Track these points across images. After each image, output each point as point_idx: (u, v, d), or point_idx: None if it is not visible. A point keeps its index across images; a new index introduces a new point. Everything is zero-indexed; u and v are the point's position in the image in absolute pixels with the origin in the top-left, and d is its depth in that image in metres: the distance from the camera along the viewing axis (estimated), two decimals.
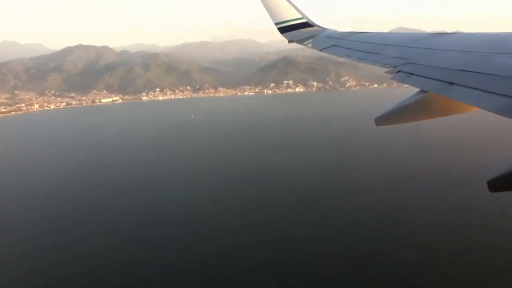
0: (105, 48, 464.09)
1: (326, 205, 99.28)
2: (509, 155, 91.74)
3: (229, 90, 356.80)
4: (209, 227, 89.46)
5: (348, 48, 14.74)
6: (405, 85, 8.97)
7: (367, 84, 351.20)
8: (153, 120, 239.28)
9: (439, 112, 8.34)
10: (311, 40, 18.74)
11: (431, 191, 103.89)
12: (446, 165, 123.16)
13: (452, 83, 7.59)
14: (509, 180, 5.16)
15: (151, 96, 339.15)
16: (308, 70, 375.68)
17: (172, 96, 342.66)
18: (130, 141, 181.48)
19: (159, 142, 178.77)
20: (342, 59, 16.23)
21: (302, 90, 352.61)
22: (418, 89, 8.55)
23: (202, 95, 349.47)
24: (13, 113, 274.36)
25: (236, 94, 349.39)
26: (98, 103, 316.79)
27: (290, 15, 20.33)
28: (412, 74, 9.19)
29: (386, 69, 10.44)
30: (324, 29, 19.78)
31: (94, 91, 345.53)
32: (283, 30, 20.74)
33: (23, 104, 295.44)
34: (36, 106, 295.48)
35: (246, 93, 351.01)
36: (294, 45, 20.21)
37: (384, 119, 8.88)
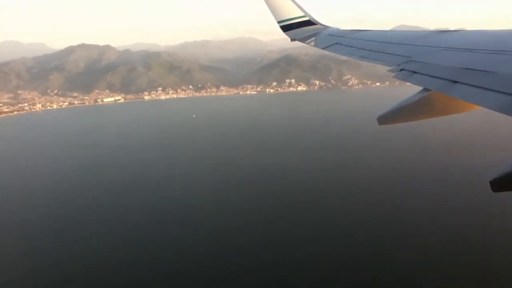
0: (107, 47, 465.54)
1: (326, 205, 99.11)
2: (510, 155, 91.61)
3: (231, 89, 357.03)
4: (209, 227, 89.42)
5: (351, 47, 14.69)
6: (408, 84, 8.94)
7: (369, 82, 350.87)
8: (154, 119, 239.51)
9: (442, 110, 8.30)
10: (313, 38, 18.72)
11: (431, 191, 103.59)
12: (446, 165, 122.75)
13: (455, 82, 7.55)
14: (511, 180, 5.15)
15: (153, 95, 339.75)
16: (310, 68, 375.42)
17: (175, 95, 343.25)
18: (131, 141, 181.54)
19: (160, 142, 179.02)
20: (344, 58, 16.21)
21: (304, 89, 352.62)
22: (420, 88, 8.51)
23: (204, 94, 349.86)
24: (15, 112, 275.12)
25: (238, 93, 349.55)
26: (100, 103, 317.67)
27: (293, 13, 20.25)
28: (415, 72, 9.14)
29: (389, 68, 10.39)
30: (326, 27, 19.70)
31: (96, 91, 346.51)
32: (286, 28, 20.65)
33: (25, 104, 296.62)
34: (39, 105, 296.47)
35: (248, 92, 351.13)
36: (296, 43, 20.25)
37: (387, 118, 8.83)
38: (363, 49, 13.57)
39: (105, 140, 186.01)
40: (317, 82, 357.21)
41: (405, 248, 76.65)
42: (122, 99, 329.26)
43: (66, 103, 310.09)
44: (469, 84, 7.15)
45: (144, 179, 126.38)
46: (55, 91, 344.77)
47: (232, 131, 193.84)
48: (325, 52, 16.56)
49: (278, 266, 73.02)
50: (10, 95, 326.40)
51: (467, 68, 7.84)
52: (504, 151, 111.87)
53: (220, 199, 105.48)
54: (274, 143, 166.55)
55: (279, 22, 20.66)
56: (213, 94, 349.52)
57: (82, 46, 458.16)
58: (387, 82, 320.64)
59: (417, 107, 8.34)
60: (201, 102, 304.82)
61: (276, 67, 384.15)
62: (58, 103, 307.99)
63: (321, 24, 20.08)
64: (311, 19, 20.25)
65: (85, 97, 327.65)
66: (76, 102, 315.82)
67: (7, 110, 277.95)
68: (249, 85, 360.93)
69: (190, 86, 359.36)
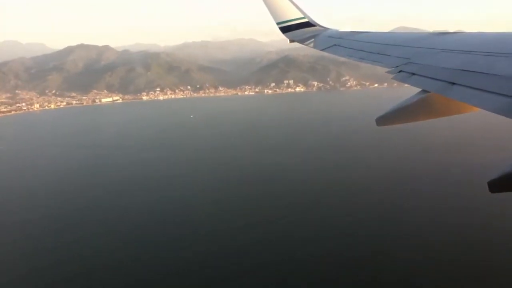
0: (106, 48, 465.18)
1: (326, 205, 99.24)
2: (509, 155, 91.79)
3: (230, 89, 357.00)
4: (209, 227, 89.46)
5: (350, 48, 14.71)
6: (406, 85, 8.91)
7: (367, 84, 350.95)
8: (152, 120, 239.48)
9: (440, 112, 8.30)
10: (312, 40, 18.65)
11: (431, 191, 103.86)
12: (446, 165, 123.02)
13: (453, 83, 7.56)
14: (510, 181, 5.15)
15: (151, 95, 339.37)
16: (308, 69, 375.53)
17: (173, 96, 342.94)
18: (130, 141, 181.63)
19: (159, 142, 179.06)
20: (343, 59, 16.23)
21: (302, 89, 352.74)
22: (419, 89, 8.51)
23: (203, 94, 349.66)
24: (13, 112, 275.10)
25: (237, 93, 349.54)
26: (99, 103, 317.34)
27: (292, 15, 20.20)
28: (413, 74, 9.14)
29: (388, 69, 10.38)
30: (325, 28, 19.66)
31: (95, 91, 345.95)
32: (285, 29, 20.59)
33: (23, 104, 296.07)
34: (37, 105, 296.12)
35: (246, 92, 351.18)
36: (295, 44, 20.11)
37: (385, 119, 8.80)
38: (362, 50, 13.60)
39: (104, 140, 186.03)
40: (316, 83, 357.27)
41: (405, 248, 76.79)
42: (120, 99, 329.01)
43: (64, 103, 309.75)
44: (467, 86, 7.18)
45: (143, 179, 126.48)
46: (53, 91, 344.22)
47: (231, 132, 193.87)
48: (324, 53, 16.57)
49: (278, 266, 73.07)
50: (8, 95, 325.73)
51: (466, 70, 7.87)
52: (504, 152, 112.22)
53: (220, 199, 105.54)
54: (274, 143, 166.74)
55: (278, 23, 20.64)
56: (211, 94, 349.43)
57: (81, 46, 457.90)
58: (386, 84, 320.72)
59: (415, 109, 8.37)
60: (199, 102, 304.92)
61: (275, 68, 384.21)
62: (56, 103, 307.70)
63: (320, 26, 20.01)
64: (310, 21, 20.19)
65: (83, 97, 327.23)
66: (74, 102, 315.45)
67: (5, 110, 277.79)
68: (247, 86, 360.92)
69: (189, 87, 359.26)
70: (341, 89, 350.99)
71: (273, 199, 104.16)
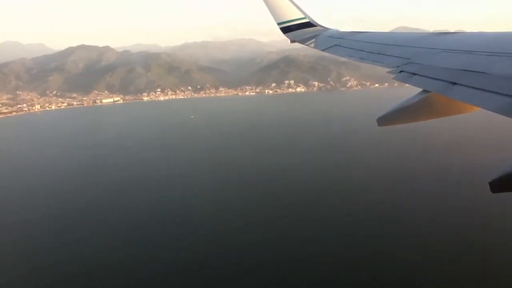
0: (107, 48, 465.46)
1: (326, 205, 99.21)
2: (510, 155, 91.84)
3: (230, 90, 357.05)
4: (209, 227, 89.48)
5: (350, 48, 14.75)
6: (406, 85, 8.95)
7: (368, 84, 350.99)
8: (153, 120, 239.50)
9: (441, 112, 8.33)
10: (313, 40, 18.73)
11: (431, 191, 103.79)
12: (446, 165, 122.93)
13: (454, 83, 7.57)
14: (511, 181, 5.18)
15: (152, 96, 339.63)
16: (309, 69, 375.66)
17: (173, 96, 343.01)
18: (130, 141, 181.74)
19: (158, 142, 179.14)
20: (343, 59, 16.24)
21: (303, 90, 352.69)
22: (419, 89, 8.54)
23: (203, 95, 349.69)
24: (14, 113, 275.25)
25: (237, 94, 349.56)
26: (99, 104, 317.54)
27: (293, 15, 20.22)
28: (414, 74, 9.16)
29: (389, 69, 10.40)
30: (326, 29, 19.69)
31: (95, 91, 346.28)
32: (286, 30, 20.62)
33: (24, 105, 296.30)
34: (37, 106, 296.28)
35: (247, 93, 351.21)
36: (296, 44, 20.20)
37: (386, 119, 8.85)
38: (362, 50, 13.62)
39: (104, 140, 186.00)
40: (316, 83, 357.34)
41: (405, 248, 76.73)
42: (121, 100, 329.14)
43: (65, 104, 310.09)
44: (468, 86, 7.19)
45: (143, 179, 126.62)
46: (54, 92, 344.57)
47: (231, 132, 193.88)
48: (324, 53, 16.60)
49: (278, 266, 73.07)
50: (9, 96, 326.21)
51: (466, 70, 7.87)
52: (504, 152, 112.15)
53: (220, 199, 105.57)
54: (274, 143, 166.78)
55: (279, 23, 20.65)
56: (212, 95, 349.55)
57: (82, 47, 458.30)
58: (386, 84, 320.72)
59: (416, 109, 8.40)
60: (200, 103, 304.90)
61: (275, 68, 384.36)
62: (57, 104, 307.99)
63: (321, 26, 20.02)
64: (310, 21, 20.21)
65: (84, 98, 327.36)
66: (75, 103, 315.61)
67: (6, 111, 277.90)
68: (248, 86, 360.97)
69: (189, 87, 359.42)
70: (342, 89, 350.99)
71: (273, 199, 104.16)
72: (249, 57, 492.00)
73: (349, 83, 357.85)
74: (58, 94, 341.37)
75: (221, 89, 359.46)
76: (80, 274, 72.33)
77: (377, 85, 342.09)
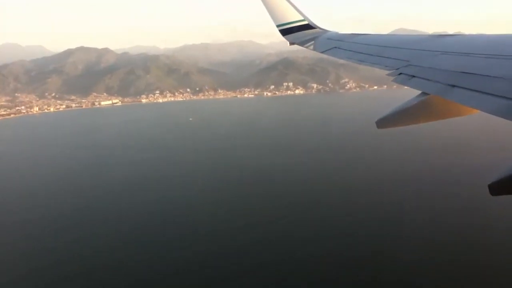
0: (106, 50, 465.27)
1: (326, 205, 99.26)
2: (509, 157, 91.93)
3: (229, 92, 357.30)
4: (209, 227, 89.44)
5: (350, 50, 14.74)
6: (405, 87, 8.94)
7: (367, 86, 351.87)
8: (151, 122, 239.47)
9: (440, 114, 8.34)
10: (312, 42, 18.73)
11: (431, 191, 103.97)
12: (445, 166, 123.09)
13: (454, 86, 7.59)
14: (510, 184, 5.16)
15: (151, 98, 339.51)
16: (308, 71, 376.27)
17: (172, 99, 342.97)
18: (129, 143, 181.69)
19: (157, 143, 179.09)
20: (342, 61, 16.31)
21: (301, 92, 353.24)
22: (418, 91, 8.56)
23: (202, 97, 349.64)
24: (12, 115, 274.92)
25: (236, 96, 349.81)
26: (98, 106, 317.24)
27: (292, 17, 20.16)
28: (413, 76, 9.17)
29: (388, 71, 10.44)
30: (325, 31, 19.72)
31: (94, 94, 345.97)
32: (285, 32, 20.54)
33: (22, 107, 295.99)
34: (36, 108, 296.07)
35: (245, 95, 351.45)
36: (295, 46, 20.23)
37: (386, 121, 8.82)
38: (361, 53, 13.63)
39: (103, 142, 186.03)
40: (315, 85, 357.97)
41: (405, 248, 76.74)
42: (120, 102, 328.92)
43: (64, 106, 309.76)
44: (467, 88, 7.21)
45: (143, 179, 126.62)
46: (53, 94, 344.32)
47: (230, 133, 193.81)
48: (323, 55, 16.68)
49: (278, 266, 73.03)
50: (8, 98, 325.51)
51: (465, 72, 7.91)
52: (503, 154, 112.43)
53: (220, 199, 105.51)
54: (273, 144, 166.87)
55: (278, 26, 20.53)
56: (211, 97, 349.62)
57: (81, 49, 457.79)
58: (385, 86, 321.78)
59: (416, 111, 8.41)
60: (198, 105, 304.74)
61: (274, 70, 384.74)
62: (56, 106, 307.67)
63: (320, 28, 20.04)
64: (310, 23, 20.19)
65: (83, 100, 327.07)
66: (74, 105, 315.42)
67: (4, 113, 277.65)
68: (246, 88, 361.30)
69: (188, 89, 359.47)
70: (341, 91, 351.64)
71: (273, 199, 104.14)
72: (248, 59, 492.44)
73: (348, 85, 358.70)
74: (57, 96, 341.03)
75: (220, 91, 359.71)
76: (80, 274, 72.16)
77: (375, 87, 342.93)
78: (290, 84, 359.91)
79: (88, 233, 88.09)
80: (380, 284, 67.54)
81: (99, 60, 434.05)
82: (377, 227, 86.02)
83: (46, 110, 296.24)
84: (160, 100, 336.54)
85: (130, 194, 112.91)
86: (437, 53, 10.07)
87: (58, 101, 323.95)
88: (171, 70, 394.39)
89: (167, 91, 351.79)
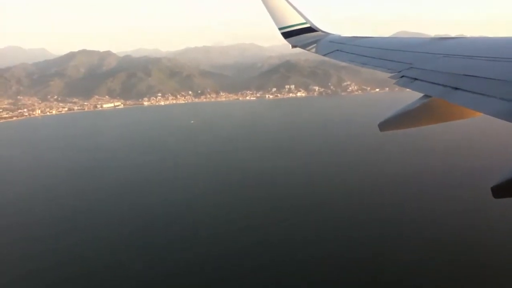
0: (108, 53, 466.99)
1: (328, 208, 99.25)
2: None
3: (231, 94, 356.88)
4: (210, 229, 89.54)
5: (352, 53, 14.78)
6: (407, 90, 8.99)
7: (369, 88, 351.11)
8: (153, 124, 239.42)
9: (442, 117, 8.34)
10: (314, 45, 18.80)
11: (432, 193, 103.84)
12: (447, 168, 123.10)
13: (456, 88, 7.59)
14: None
15: (152, 101, 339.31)
16: (309, 74, 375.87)
17: (174, 101, 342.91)
18: (131, 145, 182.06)
19: (159, 146, 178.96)
20: (343, 64, 16.46)
21: (303, 94, 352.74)
22: (420, 94, 8.58)
23: (204, 99, 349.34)
24: (15, 118, 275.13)
25: (238, 99, 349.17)
26: (100, 108, 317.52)
27: (294, 20, 20.22)
28: (416, 79, 9.18)
29: (390, 74, 10.46)
30: (327, 34, 19.75)
31: (96, 96, 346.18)
32: (287, 35, 20.63)
33: (25, 110, 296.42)
34: (38, 111, 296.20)
35: (247, 97, 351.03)
36: (297, 49, 20.26)
37: (388, 124, 8.87)
38: (364, 55, 13.67)
39: (105, 144, 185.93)
40: (317, 88, 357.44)
41: (405, 249, 76.82)
42: (122, 105, 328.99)
43: (66, 109, 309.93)
44: (470, 91, 7.19)
45: (145, 181, 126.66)
46: (55, 97, 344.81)
47: (232, 136, 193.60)
48: (325, 58, 16.71)
49: (279, 268, 73.10)
50: (10, 101, 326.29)
51: (468, 75, 7.93)
52: (506, 155, 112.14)
53: (221, 201, 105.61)
54: (275, 147, 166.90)
55: (280, 28, 20.65)
56: (213, 99, 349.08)
57: (83, 51, 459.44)
58: (387, 88, 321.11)
59: (418, 114, 8.43)
60: (200, 107, 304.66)
61: (276, 73, 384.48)
62: (58, 109, 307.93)
63: (322, 31, 20.07)
64: (312, 26, 20.23)
65: (85, 103, 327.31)
66: (76, 107, 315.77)
67: (7, 115, 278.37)
68: (248, 91, 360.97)
69: (190, 92, 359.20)
70: (342, 94, 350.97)
71: (275, 202, 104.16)
72: (250, 61, 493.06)
73: (350, 88, 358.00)
74: (59, 99, 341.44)
75: (221, 93, 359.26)
76: (81, 275, 72.42)
77: (377, 89, 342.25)
78: (292, 86, 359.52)
79: (89, 235, 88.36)
80: (380, 285, 67.62)
81: (101, 63, 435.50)
82: (378, 228, 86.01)
83: (48, 113, 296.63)
84: (162, 103, 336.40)
85: (132, 196, 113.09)
86: (440, 56, 10.08)
87: (61, 104, 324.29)
88: (173, 72, 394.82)
89: (169, 94, 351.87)
